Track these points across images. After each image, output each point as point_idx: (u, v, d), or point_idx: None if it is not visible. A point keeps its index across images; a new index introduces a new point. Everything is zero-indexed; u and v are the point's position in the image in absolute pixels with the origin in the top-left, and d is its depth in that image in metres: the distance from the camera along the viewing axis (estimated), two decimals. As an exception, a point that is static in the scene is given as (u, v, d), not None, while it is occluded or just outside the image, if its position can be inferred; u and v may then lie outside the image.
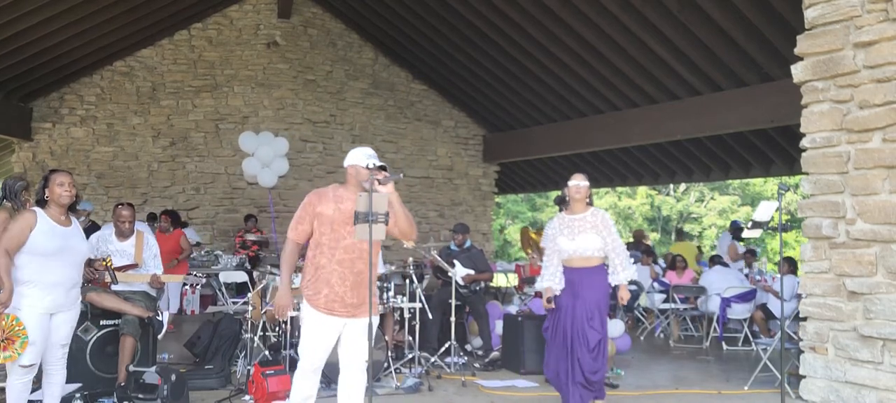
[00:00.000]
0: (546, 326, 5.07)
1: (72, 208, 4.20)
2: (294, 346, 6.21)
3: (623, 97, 9.75)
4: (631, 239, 12.85)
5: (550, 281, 5.03)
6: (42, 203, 4.10)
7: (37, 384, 4.96)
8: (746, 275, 9.35)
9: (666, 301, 9.63)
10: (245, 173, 10.49)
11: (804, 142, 4.75)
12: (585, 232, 4.91)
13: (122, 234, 5.55)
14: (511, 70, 10.56)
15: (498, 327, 7.51)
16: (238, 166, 11.80)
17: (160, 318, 5.42)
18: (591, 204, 5.10)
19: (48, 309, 4.00)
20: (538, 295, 8.61)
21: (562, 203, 6.48)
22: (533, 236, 13.35)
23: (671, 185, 25.44)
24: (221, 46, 11.81)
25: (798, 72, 4.76)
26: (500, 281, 12.85)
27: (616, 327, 7.36)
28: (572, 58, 9.29)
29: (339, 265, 3.80)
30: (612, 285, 4.99)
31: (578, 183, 4.99)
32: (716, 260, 9.82)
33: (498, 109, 12.47)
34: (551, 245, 5.06)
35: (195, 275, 5.95)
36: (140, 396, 4.94)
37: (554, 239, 5.01)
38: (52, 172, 4.22)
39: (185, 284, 10.57)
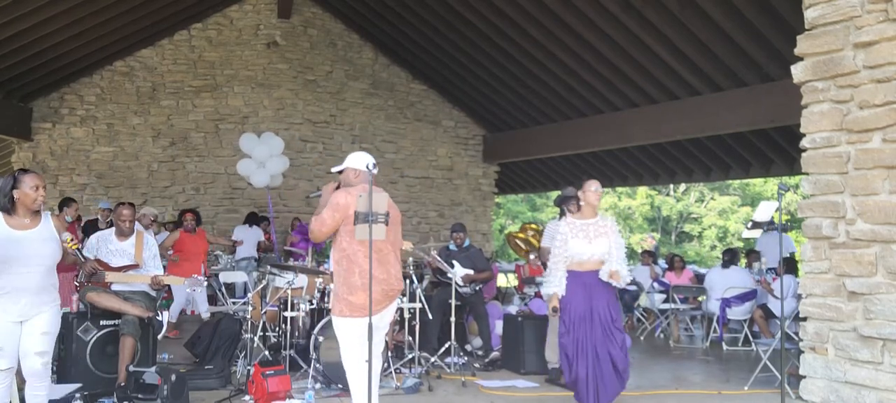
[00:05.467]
0: (562, 333, 4.99)
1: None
2: (294, 346, 6.22)
3: (623, 97, 9.76)
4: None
5: (559, 286, 4.99)
6: (8, 205, 3.87)
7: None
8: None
9: (666, 301, 9.62)
10: (240, 173, 10.46)
11: (804, 143, 4.75)
12: (600, 236, 4.96)
13: (123, 234, 5.55)
14: (511, 70, 10.56)
15: (498, 327, 7.50)
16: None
17: (160, 318, 5.41)
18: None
19: (14, 315, 3.80)
20: (538, 295, 8.64)
21: (563, 203, 6.50)
22: (519, 236, 13.32)
23: (671, 185, 25.43)
24: (221, 46, 11.81)
25: (798, 72, 4.76)
26: (499, 281, 12.84)
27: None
28: (572, 58, 9.29)
29: None
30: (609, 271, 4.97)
31: (599, 188, 5.06)
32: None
33: (498, 109, 12.47)
34: (560, 249, 5.01)
35: (196, 278, 5.93)
36: (140, 396, 4.93)
37: (565, 243, 4.97)
38: (23, 173, 3.95)
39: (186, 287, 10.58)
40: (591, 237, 4.93)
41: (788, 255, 9.32)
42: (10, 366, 3.88)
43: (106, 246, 5.49)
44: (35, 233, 3.90)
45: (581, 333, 4.87)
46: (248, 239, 10.50)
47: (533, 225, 13.83)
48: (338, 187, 4.14)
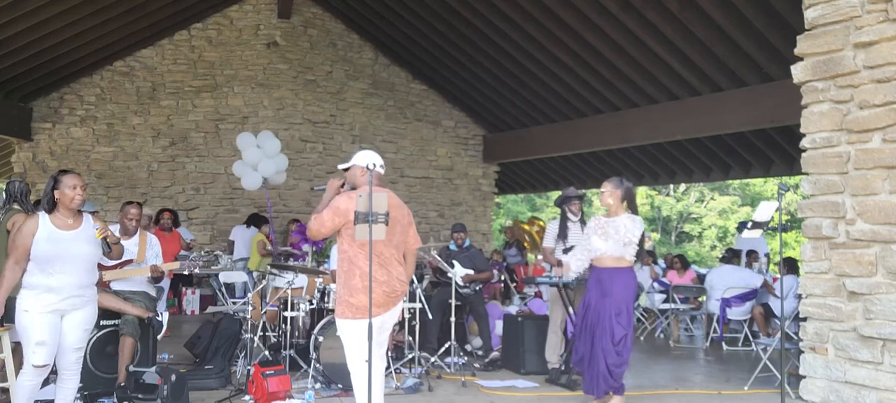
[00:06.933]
0: (576, 320, 5.39)
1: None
2: (294, 346, 6.22)
3: (623, 97, 9.75)
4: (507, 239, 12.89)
5: (571, 259, 5.32)
6: (51, 205, 4.00)
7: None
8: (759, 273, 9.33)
9: (666, 301, 9.62)
10: (235, 174, 10.42)
11: (804, 143, 4.75)
12: (619, 233, 5.09)
13: (127, 232, 5.55)
14: (511, 70, 10.56)
15: (498, 327, 7.51)
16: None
17: (160, 319, 5.42)
18: (634, 209, 5.20)
19: (56, 309, 3.93)
20: (538, 294, 8.65)
21: (564, 203, 6.58)
22: (525, 226, 13.39)
23: (671, 185, 25.42)
24: (221, 46, 11.81)
25: (798, 72, 4.77)
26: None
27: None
28: (572, 58, 9.29)
29: None
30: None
31: (606, 188, 5.22)
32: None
33: (498, 109, 12.47)
34: (585, 243, 5.26)
35: (192, 258, 5.88)
36: (140, 396, 4.94)
37: (588, 239, 5.21)
38: (63, 174, 4.09)
39: (184, 287, 10.59)
40: (608, 234, 5.10)
41: (764, 256, 9.41)
42: (46, 364, 3.96)
43: (108, 244, 5.49)
44: (77, 234, 4.02)
45: (588, 322, 5.12)
46: (246, 239, 10.50)
47: (540, 222, 13.85)
48: (342, 184, 4.12)
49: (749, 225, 5.16)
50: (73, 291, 3.99)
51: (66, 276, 3.94)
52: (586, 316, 5.17)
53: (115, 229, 5.63)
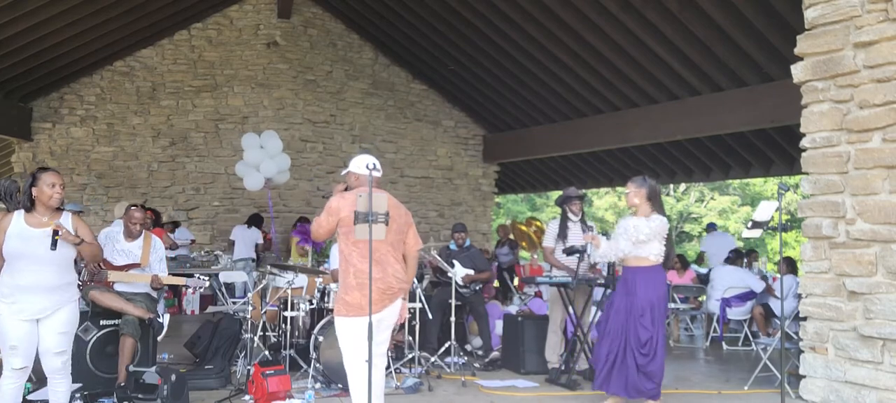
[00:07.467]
0: (600, 321, 5.43)
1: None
2: (294, 346, 6.22)
3: (623, 97, 9.75)
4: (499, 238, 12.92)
5: (605, 243, 5.35)
6: (29, 202, 3.91)
7: (37, 384, 4.97)
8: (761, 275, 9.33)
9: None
10: (237, 173, 10.42)
11: (804, 142, 4.75)
12: (628, 233, 5.13)
13: (131, 235, 5.56)
14: (511, 70, 10.56)
15: (498, 327, 7.51)
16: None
17: (160, 320, 5.42)
18: (661, 209, 5.18)
19: (28, 313, 3.82)
20: (538, 294, 8.65)
21: (565, 203, 6.59)
22: (522, 227, 13.39)
23: (671, 185, 25.42)
24: (221, 46, 11.81)
25: (798, 72, 4.77)
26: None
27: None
28: (572, 58, 9.29)
29: None
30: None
31: (629, 188, 5.22)
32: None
33: (498, 109, 12.47)
34: (613, 244, 5.27)
35: (199, 278, 5.92)
36: (140, 396, 4.94)
37: (617, 240, 5.23)
38: (42, 171, 3.99)
39: (186, 287, 10.58)
40: (621, 234, 5.18)
41: (732, 253, 9.39)
42: (25, 366, 3.89)
43: (112, 244, 5.50)
44: (48, 232, 3.87)
45: (614, 322, 5.14)
46: (246, 239, 10.50)
47: (537, 222, 13.84)
48: (345, 188, 4.18)
49: (749, 224, 5.17)
50: (45, 292, 3.85)
51: (34, 275, 3.82)
52: (609, 315, 5.20)
53: (117, 230, 5.65)
